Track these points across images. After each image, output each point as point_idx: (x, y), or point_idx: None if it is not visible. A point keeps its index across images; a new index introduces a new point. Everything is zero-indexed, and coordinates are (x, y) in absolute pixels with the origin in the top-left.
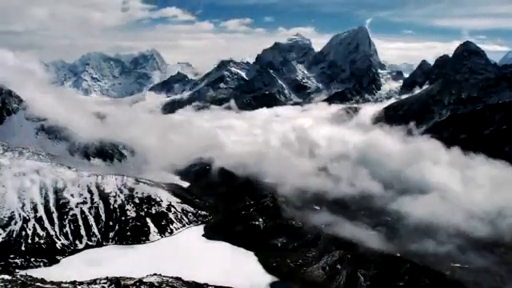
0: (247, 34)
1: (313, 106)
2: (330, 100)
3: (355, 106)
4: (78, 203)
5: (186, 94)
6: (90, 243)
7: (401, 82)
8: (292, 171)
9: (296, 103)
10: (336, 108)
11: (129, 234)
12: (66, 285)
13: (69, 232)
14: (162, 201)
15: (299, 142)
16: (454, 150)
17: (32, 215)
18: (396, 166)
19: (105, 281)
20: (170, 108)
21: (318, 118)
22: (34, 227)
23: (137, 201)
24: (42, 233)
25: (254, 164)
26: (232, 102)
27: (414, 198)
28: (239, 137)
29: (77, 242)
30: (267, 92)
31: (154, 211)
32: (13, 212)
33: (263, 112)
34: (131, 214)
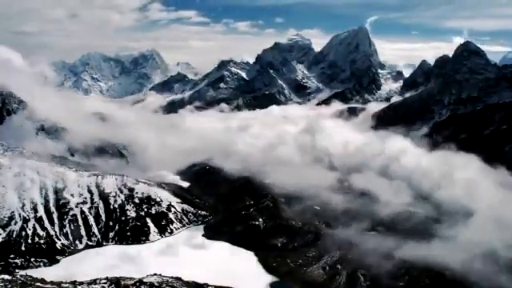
0: (256, 36)
1: (324, 105)
2: (330, 100)
3: (366, 105)
4: (77, 203)
5: (186, 94)
6: (90, 243)
7: (401, 82)
8: (312, 183)
9: (296, 103)
10: (346, 108)
11: (129, 234)
12: (66, 285)
13: (69, 232)
14: (162, 201)
15: (313, 147)
16: (500, 170)
17: (32, 215)
18: (427, 182)
19: (105, 281)
20: (171, 108)
21: (330, 118)
22: (34, 227)
23: (137, 201)
24: (42, 233)
25: (268, 173)
26: (240, 101)
27: (463, 222)
28: (251, 138)
29: (77, 242)
30: (267, 92)
31: (153, 211)
32: (13, 212)
33: (272, 111)
34: (131, 214)
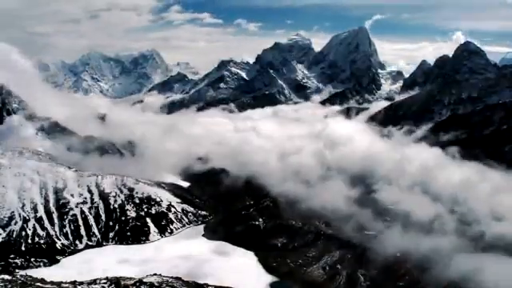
0: (265, 37)
1: (329, 105)
2: (331, 100)
3: (369, 105)
4: (77, 203)
5: (186, 94)
6: (90, 243)
7: (401, 82)
8: (331, 197)
9: (296, 103)
10: (353, 108)
11: (129, 234)
12: (66, 285)
13: (69, 232)
14: (162, 201)
15: (330, 156)
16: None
17: (32, 215)
18: (467, 203)
19: (105, 281)
20: (171, 108)
21: (343, 121)
22: (34, 227)
23: (137, 201)
24: (42, 233)
25: (282, 185)
26: (241, 101)
27: None
28: (262, 143)
29: (77, 241)
30: (267, 92)
31: (153, 211)
32: (13, 212)
33: (278, 111)
34: (131, 214)
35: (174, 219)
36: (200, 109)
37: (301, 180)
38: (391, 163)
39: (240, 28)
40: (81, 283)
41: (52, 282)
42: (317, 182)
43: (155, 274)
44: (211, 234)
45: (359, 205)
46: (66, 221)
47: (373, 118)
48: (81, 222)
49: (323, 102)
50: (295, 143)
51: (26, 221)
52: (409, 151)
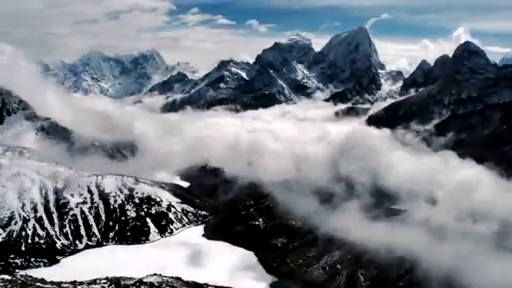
0: (272, 38)
1: (337, 105)
2: (334, 100)
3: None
4: (78, 203)
5: (186, 94)
6: (90, 243)
7: (401, 82)
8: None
9: (297, 102)
10: (360, 108)
11: (129, 234)
12: (66, 285)
13: (69, 232)
14: (162, 201)
15: (350, 165)
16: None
17: (32, 215)
18: None
19: (105, 281)
20: (171, 108)
21: (358, 124)
22: (34, 227)
23: (137, 201)
24: (42, 233)
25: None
26: (243, 101)
27: None
28: (271, 142)
29: (77, 241)
30: (267, 92)
31: (153, 211)
32: (13, 212)
33: (285, 111)
34: (131, 214)
35: (174, 219)
36: (202, 109)
37: (317, 196)
38: (418, 176)
39: (251, 29)
40: (81, 283)
41: (52, 282)
42: (336, 198)
43: (155, 274)
44: (211, 233)
45: (388, 225)
46: (66, 221)
47: (373, 118)
48: (81, 222)
49: (334, 103)
50: (308, 149)
51: (26, 221)
52: (432, 161)
